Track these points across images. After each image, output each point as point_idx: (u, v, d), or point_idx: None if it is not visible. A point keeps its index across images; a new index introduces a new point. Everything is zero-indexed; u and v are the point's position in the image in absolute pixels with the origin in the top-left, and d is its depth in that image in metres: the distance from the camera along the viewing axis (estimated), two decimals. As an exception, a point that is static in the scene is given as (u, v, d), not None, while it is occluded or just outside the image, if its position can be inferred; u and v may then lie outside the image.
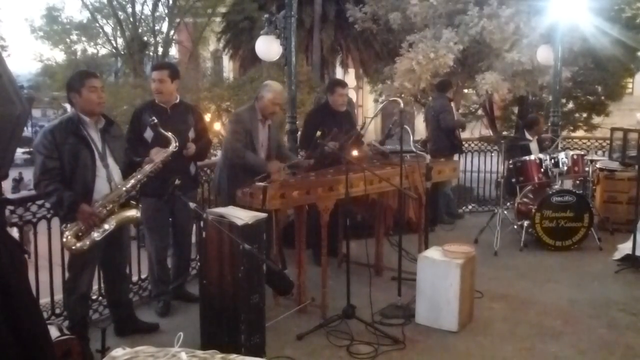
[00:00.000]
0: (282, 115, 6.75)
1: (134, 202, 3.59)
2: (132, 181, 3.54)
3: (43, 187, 3.34)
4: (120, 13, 23.01)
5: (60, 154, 3.35)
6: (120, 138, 3.71)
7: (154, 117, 3.87)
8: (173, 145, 3.78)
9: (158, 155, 3.71)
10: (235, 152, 4.43)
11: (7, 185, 20.01)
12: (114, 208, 3.47)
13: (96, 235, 3.39)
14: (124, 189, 3.50)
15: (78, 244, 3.35)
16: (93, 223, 3.37)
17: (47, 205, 3.73)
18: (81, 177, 3.41)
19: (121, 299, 3.90)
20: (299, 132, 5.92)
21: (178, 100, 4.28)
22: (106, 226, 3.43)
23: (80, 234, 3.36)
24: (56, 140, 3.35)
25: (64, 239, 3.35)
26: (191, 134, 4.23)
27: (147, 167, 3.62)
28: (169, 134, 3.82)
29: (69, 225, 3.36)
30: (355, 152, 4.10)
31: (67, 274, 3.67)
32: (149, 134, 4.03)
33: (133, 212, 3.54)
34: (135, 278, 4.56)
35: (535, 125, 6.74)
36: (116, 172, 3.56)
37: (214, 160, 5.25)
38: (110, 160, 3.54)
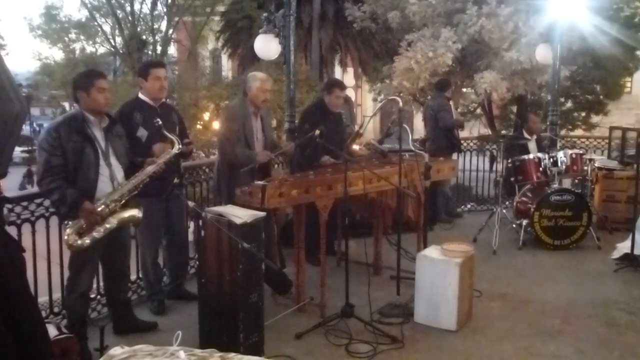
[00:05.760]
0: (271, 104, 6.76)
1: (136, 202, 3.60)
2: (135, 181, 3.55)
3: (46, 183, 3.35)
4: (119, 12, 22.98)
5: (64, 151, 3.36)
6: (122, 137, 3.72)
7: (158, 119, 3.91)
8: (177, 147, 3.82)
9: (161, 157, 3.74)
10: (224, 149, 4.43)
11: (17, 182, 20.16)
12: (116, 207, 3.48)
13: (97, 233, 3.40)
14: (126, 188, 3.52)
15: (79, 242, 3.35)
16: (95, 221, 3.38)
17: (46, 204, 3.73)
18: (85, 175, 3.42)
19: (120, 297, 3.90)
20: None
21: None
22: (107, 225, 3.44)
23: (81, 231, 3.37)
24: (61, 137, 3.36)
25: (65, 236, 3.35)
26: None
27: (150, 168, 3.64)
28: (173, 136, 3.86)
29: (70, 222, 3.36)
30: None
31: (66, 273, 3.66)
32: (142, 133, 4.01)
33: (135, 212, 3.55)
34: (133, 277, 4.55)
35: (525, 122, 6.74)
36: (119, 171, 3.58)
37: (213, 159, 5.25)
38: (113, 159, 3.56)
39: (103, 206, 3.41)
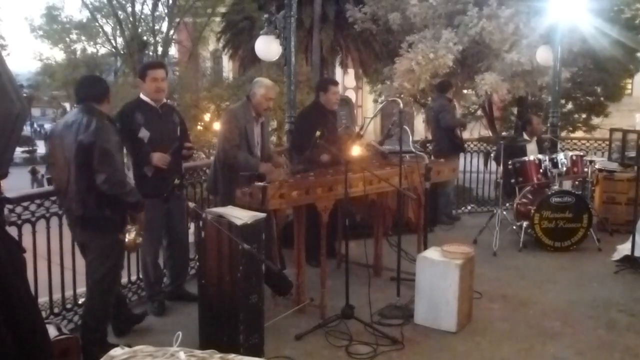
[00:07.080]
0: (271, 114, 6.76)
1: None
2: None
3: (124, 185, 3.36)
4: (120, 12, 23.00)
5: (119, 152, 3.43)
6: None
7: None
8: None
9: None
10: (228, 152, 4.43)
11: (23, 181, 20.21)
12: None
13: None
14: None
15: (139, 240, 3.46)
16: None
17: (47, 204, 3.73)
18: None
19: (119, 293, 3.92)
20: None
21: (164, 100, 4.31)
22: None
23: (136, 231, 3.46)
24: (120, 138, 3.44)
25: (127, 240, 3.39)
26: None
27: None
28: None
29: (131, 227, 3.41)
30: (356, 150, 4.08)
31: (67, 273, 3.66)
32: (144, 134, 4.01)
33: None
34: (134, 277, 4.56)
35: (528, 125, 6.74)
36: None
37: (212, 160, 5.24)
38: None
39: None
